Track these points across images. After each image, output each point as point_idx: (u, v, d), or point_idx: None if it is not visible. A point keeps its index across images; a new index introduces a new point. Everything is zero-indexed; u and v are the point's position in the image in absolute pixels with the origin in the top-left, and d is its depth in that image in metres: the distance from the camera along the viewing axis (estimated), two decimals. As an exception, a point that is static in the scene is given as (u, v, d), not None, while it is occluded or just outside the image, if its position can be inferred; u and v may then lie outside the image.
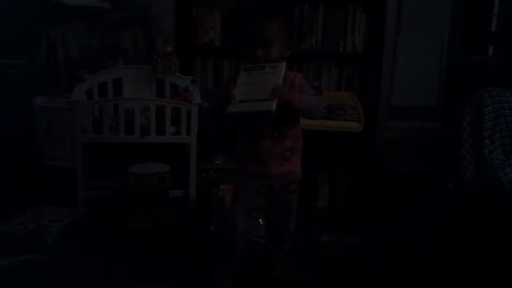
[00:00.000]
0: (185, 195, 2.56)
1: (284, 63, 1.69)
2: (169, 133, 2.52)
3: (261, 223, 2.11)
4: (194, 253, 2.14)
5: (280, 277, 1.94)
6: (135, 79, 2.72)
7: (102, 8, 2.92)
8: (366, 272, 1.98)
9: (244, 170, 1.80)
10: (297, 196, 1.88)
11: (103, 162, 2.70)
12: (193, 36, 3.11)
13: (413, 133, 3.33)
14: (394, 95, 3.29)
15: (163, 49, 2.72)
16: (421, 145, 3.24)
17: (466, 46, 3.44)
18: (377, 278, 1.94)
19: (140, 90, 2.71)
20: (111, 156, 2.68)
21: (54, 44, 2.90)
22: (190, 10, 3.08)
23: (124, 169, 2.43)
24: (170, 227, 2.38)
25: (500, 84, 2.11)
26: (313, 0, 3.05)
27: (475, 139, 1.95)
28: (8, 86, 2.93)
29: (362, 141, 2.79)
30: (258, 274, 1.97)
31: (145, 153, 2.55)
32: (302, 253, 2.10)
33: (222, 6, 3.03)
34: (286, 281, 1.92)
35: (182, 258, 2.10)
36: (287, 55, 1.75)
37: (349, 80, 3.15)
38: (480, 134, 1.93)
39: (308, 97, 1.73)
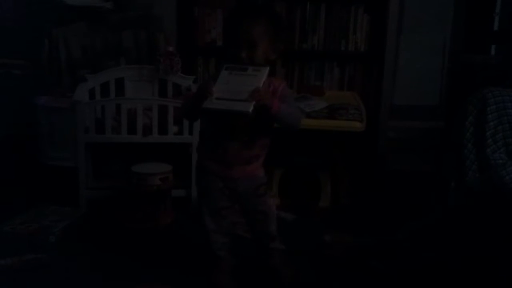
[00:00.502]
0: (188, 195, 2.56)
1: (267, 68, 1.68)
2: (171, 132, 2.52)
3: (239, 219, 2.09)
4: (196, 253, 2.13)
5: (281, 276, 1.94)
6: (137, 79, 2.72)
7: (104, 8, 2.92)
8: (367, 271, 1.98)
9: (207, 169, 1.80)
10: (268, 198, 1.88)
11: (106, 162, 2.70)
12: (195, 36, 3.11)
13: (415, 132, 3.33)
14: (396, 94, 3.29)
15: (165, 49, 2.72)
16: (424, 145, 3.24)
17: (469, 45, 3.44)
18: (379, 277, 1.94)
19: (142, 90, 2.72)
20: (114, 156, 2.69)
21: (56, 44, 2.90)
22: (192, 10, 3.08)
23: (127, 169, 2.44)
24: (172, 227, 2.38)
25: (502, 83, 2.10)
26: (315, 0, 3.05)
27: (477, 139, 1.95)
28: (10, 86, 2.93)
29: (364, 140, 2.79)
30: (259, 273, 1.97)
31: (148, 153, 2.55)
32: (304, 253, 2.10)
33: (224, 6, 3.03)
34: (287, 280, 1.92)
35: (184, 258, 2.10)
36: (273, 58, 1.74)
37: (351, 80, 3.14)
38: (483, 134, 1.93)
39: (287, 107, 1.71)
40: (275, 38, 1.72)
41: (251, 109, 1.60)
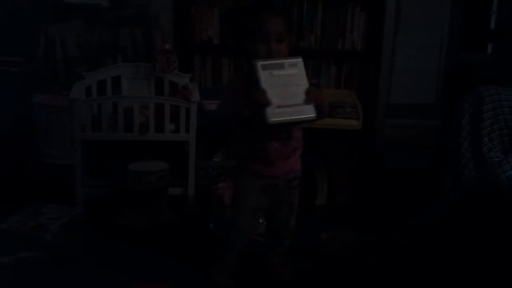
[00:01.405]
0: (184, 193, 2.56)
1: (301, 59, 1.66)
2: (168, 131, 2.52)
3: (261, 221, 2.11)
4: (193, 251, 2.14)
5: (279, 275, 1.94)
6: (134, 77, 2.72)
7: (101, 5, 2.92)
8: (364, 269, 1.98)
9: (248, 170, 1.78)
10: (298, 191, 1.89)
11: (102, 160, 2.70)
12: (192, 34, 3.10)
13: (412, 131, 3.34)
14: (393, 92, 3.29)
15: (162, 47, 2.72)
16: (420, 143, 3.25)
17: (465, 44, 3.44)
18: (376, 275, 1.95)
19: (139, 88, 2.71)
20: (110, 154, 2.68)
21: (52, 41, 2.89)
22: (189, 8, 3.08)
23: (123, 167, 2.43)
24: (169, 225, 2.38)
25: (499, 82, 2.11)
26: (312, -2, 3.05)
27: (474, 137, 1.96)
28: (6, 84, 2.92)
29: (361, 138, 2.79)
30: (257, 272, 1.97)
31: (144, 151, 2.55)
32: (301, 251, 2.11)
33: (221, 4, 3.03)
34: (285, 279, 1.93)
35: (181, 256, 2.10)
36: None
37: (348, 78, 3.14)
38: (479, 132, 1.93)
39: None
40: (291, 33, 1.75)
41: (315, 113, 1.60)
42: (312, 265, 2.04)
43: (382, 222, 2.29)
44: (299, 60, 1.66)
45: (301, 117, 1.61)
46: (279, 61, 1.63)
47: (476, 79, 3.08)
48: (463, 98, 2.03)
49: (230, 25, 1.80)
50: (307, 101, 1.61)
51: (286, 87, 1.61)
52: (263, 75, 1.59)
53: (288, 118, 1.59)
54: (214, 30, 3.08)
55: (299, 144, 1.80)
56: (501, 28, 3.52)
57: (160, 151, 2.56)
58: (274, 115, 1.57)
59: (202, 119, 2.52)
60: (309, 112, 1.61)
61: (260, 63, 1.61)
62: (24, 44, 2.94)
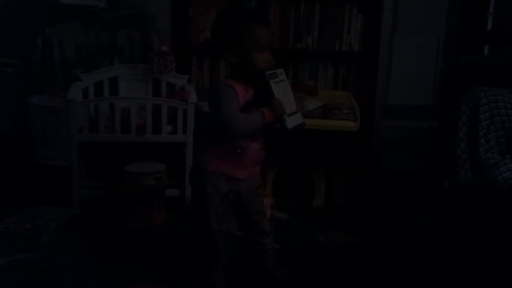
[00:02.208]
0: (181, 195, 2.56)
1: (283, 69, 1.78)
2: (165, 132, 2.51)
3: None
4: (189, 252, 2.13)
5: (275, 276, 1.94)
6: (131, 78, 2.72)
7: (98, 7, 2.92)
8: (361, 271, 1.98)
9: (213, 171, 1.77)
10: (263, 198, 1.97)
11: (99, 162, 2.70)
12: (189, 35, 3.10)
13: (409, 132, 3.34)
14: (390, 94, 3.30)
15: (159, 48, 2.72)
16: (417, 145, 3.25)
17: (462, 45, 3.44)
18: (373, 277, 1.95)
19: (136, 89, 2.71)
20: (107, 156, 2.68)
21: (49, 43, 2.89)
22: (186, 9, 3.08)
23: (120, 169, 2.43)
24: (166, 226, 2.38)
25: (495, 83, 2.11)
26: (309, 0, 3.05)
27: (470, 139, 1.96)
28: (3, 85, 2.92)
29: (358, 140, 2.79)
30: (254, 273, 1.97)
31: (141, 152, 2.54)
32: (298, 252, 2.11)
33: (218, 5, 3.03)
34: (282, 280, 1.92)
35: (178, 258, 2.10)
36: None
37: (345, 80, 3.15)
38: (476, 134, 1.94)
39: None
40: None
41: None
42: (309, 266, 2.04)
43: (379, 223, 2.29)
44: (282, 70, 1.79)
45: (300, 123, 1.79)
46: (274, 71, 1.75)
47: (473, 81, 3.08)
48: (460, 100, 2.03)
49: (219, 29, 1.79)
50: (298, 109, 1.80)
51: (286, 95, 1.76)
52: (273, 85, 1.72)
53: (296, 125, 1.77)
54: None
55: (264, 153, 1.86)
56: (497, 30, 3.53)
57: (157, 152, 2.55)
58: (290, 123, 1.75)
59: (200, 120, 2.52)
60: (302, 119, 1.81)
61: (268, 73, 1.72)
62: (21, 46, 2.93)
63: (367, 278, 1.95)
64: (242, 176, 1.79)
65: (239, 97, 1.70)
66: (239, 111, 1.70)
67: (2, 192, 2.59)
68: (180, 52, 2.93)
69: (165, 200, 2.47)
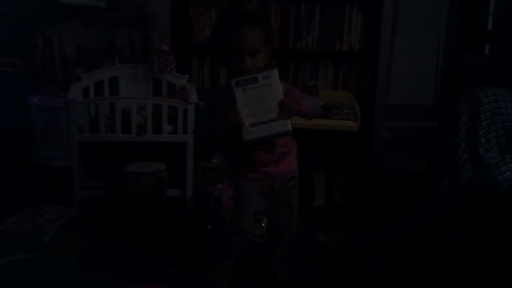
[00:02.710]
0: (182, 194, 2.56)
1: (276, 71, 1.66)
2: (165, 132, 2.51)
3: (263, 224, 2.11)
4: (190, 252, 2.14)
5: (278, 277, 1.94)
6: (131, 78, 2.72)
7: (98, 7, 2.91)
8: (362, 271, 1.98)
9: (242, 175, 1.79)
10: (297, 192, 1.89)
11: (100, 161, 2.70)
12: (190, 35, 3.10)
13: (409, 132, 3.34)
14: (390, 94, 3.30)
15: (159, 48, 2.72)
16: (417, 144, 3.25)
17: (462, 45, 3.45)
18: (373, 277, 1.95)
19: (137, 89, 2.71)
20: (108, 155, 2.68)
21: (50, 42, 2.89)
22: (186, 9, 3.08)
23: (121, 168, 2.43)
24: (167, 226, 2.38)
25: (496, 83, 2.11)
26: (309, -1, 3.06)
27: (471, 138, 1.96)
28: (4, 84, 2.92)
29: (358, 140, 2.79)
30: (255, 273, 1.97)
31: (142, 152, 2.54)
32: (299, 252, 2.11)
33: (218, 5, 3.03)
34: (284, 281, 1.93)
35: (179, 257, 2.10)
36: (268, 62, 1.74)
37: (345, 79, 3.15)
38: (476, 133, 1.94)
39: (307, 100, 1.74)
40: (269, 42, 1.73)
41: (289, 126, 1.65)
42: (310, 266, 2.04)
43: (380, 223, 2.29)
44: (274, 72, 1.65)
45: (275, 132, 1.66)
46: (253, 75, 1.64)
47: (473, 80, 3.08)
48: (460, 99, 2.03)
49: (211, 33, 1.79)
50: (281, 116, 1.65)
51: (260, 103, 1.64)
52: (237, 93, 1.63)
53: (263, 135, 1.65)
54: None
55: (288, 148, 1.80)
56: (498, 30, 3.53)
57: (158, 152, 2.55)
58: (249, 134, 1.64)
59: (200, 120, 2.52)
60: (283, 127, 1.66)
61: (234, 81, 1.63)
62: (22, 45, 2.93)
63: (368, 278, 1.95)
64: (268, 177, 1.78)
65: (214, 104, 1.70)
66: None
67: (3, 192, 2.59)
68: (180, 52, 2.93)
69: (165, 200, 2.47)
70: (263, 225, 2.11)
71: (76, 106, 2.46)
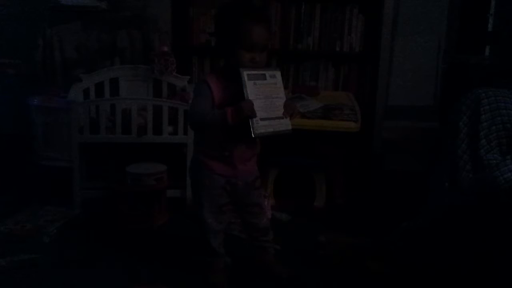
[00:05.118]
0: (182, 195, 2.56)
1: (279, 72, 1.72)
2: (166, 133, 2.51)
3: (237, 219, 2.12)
4: (191, 252, 2.13)
5: (277, 274, 1.94)
6: (132, 79, 2.72)
7: (99, 8, 2.92)
8: (362, 271, 1.98)
9: (208, 168, 1.80)
10: (262, 191, 1.95)
11: (100, 162, 2.70)
12: (190, 36, 3.10)
13: (409, 133, 3.34)
14: (391, 95, 3.30)
15: (160, 49, 2.72)
16: (418, 145, 3.25)
17: (463, 46, 3.45)
18: (374, 277, 1.94)
19: (137, 90, 2.71)
20: (108, 156, 2.68)
21: (51, 44, 2.89)
22: (186, 10, 3.08)
23: (121, 169, 2.43)
24: (167, 227, 2.38)
25: (496, 84, 2.11)
26: (310, 0, 3.05)
27: (471, 139, 1.96)
28: (4, 85, 2.92)
29: (359, 140, 2.79)
30: (255, 272, 1.97)
31: (142, 153, 2.54)
32: (299, 253, 2.11)
33: (219, 6, 3.02)
34: (285, 277, 1.93)
35: (179, 258, 2.09)
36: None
37: (346, 80, 3.15)
38: (477, 134, 1.93)
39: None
40: (270, 40, 1.75)
41: (291, 126, 1.70)
42: (310, 267, 2.04)
43: (380, 224, 2.29)
44: (278, 72, 1.72)
45: (280, 130, 1.69)
46: (262, 72, 1.68)
47: (474, 81, 3.08)
48: (461, 100, 2.03)
49: (217, 24, 1.79)
50: (285, 115, 1.70)
51: (268, 99, 1.67)
52: (249, 85, 1.64)
53: (271, 131, 1.67)
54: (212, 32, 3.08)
55: (258, 148, 1.86)
56: (498, 30, 3.53)
57: (158, 153, 2.55)
58: (259, 128, 1.65)
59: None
60: (287, 126, 1.71)
61: (245, 73, 1.65)
62: (22, 46, 2.94)
63: (368, 279, 1.95)
64: (234, 174, 1.80)
65: (213, 93, 1.69)
66: (213, 107, 1.68)
67: (3, 193, 2.59)
68: (180, 53, 2.93)
69: (166, 200, 2.47)
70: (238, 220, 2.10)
71: (76, 107, 2.46)
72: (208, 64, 3.14)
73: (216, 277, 1.90)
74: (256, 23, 1.68)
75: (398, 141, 3.28)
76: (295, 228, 2.40)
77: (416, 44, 3.31)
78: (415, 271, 1.90)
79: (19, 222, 2.35)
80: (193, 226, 2.08)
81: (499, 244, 1.73)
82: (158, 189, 2.41)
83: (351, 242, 2.14)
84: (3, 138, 2.86)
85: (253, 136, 1.64)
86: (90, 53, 2.95)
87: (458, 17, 3.40)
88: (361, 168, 3.01)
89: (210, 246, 1.90)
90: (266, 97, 1.67)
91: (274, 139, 1.73)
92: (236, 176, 1.81)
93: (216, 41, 1.85)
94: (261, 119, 1.65)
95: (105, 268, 2.02)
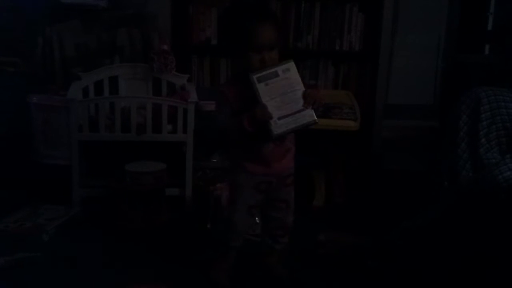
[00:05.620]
0: (182, 194, 2.56)
1: (293, 63, 1.69)
2: (165, 131, 2.51)
3: (257, 221, 2.11)
4: (190, 251, 2.14)
5: (278, 275, 1.94)
6: (131, 77, 2.72)
7: (98, 6, 2.91)
8: (362, 271, 1.98)
9: (243, 169, 1.79)
10: (293, 188, 1.90)
11: (99, 161, 2.69)
12: (190, 34, 3.10)
13: (409, 132, 3.34)
14: (391, 93, 3.30)
15: (159, 47, 2.72)
16: (418, 144, 3.25)
17: (463, 45, 3.44)
18: (373, 277, 1.94)
19: (136, 89, 2.71)
20: (107, 155, 2.68)
21: (50, 42, 2.89)
22: (186, 8, 3.07)
23: (121, 168, 2.43)
24: (167, 226, 2.38)
25: (496, 83, 2.11)
26: (310, -2, 3.05)
27: (471, 138, 1.96)
28: (3, 83, 2.91)
29: (358, 139, 2.79)
30: (255, 272, 1.97)
31: (142, 151, 2.54)
32: (299, 252, 2.10)
33: (219, 4, 3.02)
34: (284, 278, 1.92)
35: (179, 257, 2.09)
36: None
37: (345, 79, 3.14)
38: (476, 133, 1.93)
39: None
40: (279, 36, 1.73)
41: (315, 116, 1.67)
42: (310, 267, 2.04)
43: (380, 223, 2.29)
44: (291, 64, 1.69)
45: (303, 123, 1.67)
46: (273, 70, 1.66)
47: (474, 80, 3.08)
48: (460, 99, 2.03)
49: (222, 27, 1.79)
50: (306, 105, 1.67)
51: (284, 96, 1.66)
52: (260, 89, 1.64)
53: (291, 128, 1.66)
54: (212, 31, 3.07)
55: (292, 144, 1.83)
56: (498, 29, 3.53)
57: (158, 151, 2.55)
58: (277, 128, 1.64)
59: (200, 119, 2.51)
60: (310, 116, 1.68)
61: (255, 77, 1.64)
62: (22, 44, 2.93)
63: (368, 278, 1.95)
64: (269, 172, 1.79)
65: (230, 101, 1.68)
66: (233, 115, 1.68)
67: (3, 191, 2.58)
68: (180, 51, 2.92)
69: (165, 199, 2.47)
70: (257, 222, 2.10)
71: (76, 105, 2.46)
72: (207, 62, 3.14)
73: (218, 275, 1.90)
74: (261, 23, 1.66)
75: (397, 140, 3.28)
76: (295, 227, 2.38)
77: (416, 43, 3.31)
78: (415, 270, 1.90)
79: (18, 220, 2.35)
80: (192, 224, 2.10)
81: (499, 244, 1.73)
82: (157, 187, 2.41)
83: (351, 241, 2.14)
84: (3, 136, 2.85)
85: (272, 138, 1.65)
86: (90, 52, 2.94)
87: (457, 16, 3.39)
88: (360, 167, 3.01)
89: (227, 245, 1.88)
90: (282, 93, 1.66)
91: (300, 132, 1.73)
92: (271, 174, 1.80)
93: (223, 45, 1.83)
94: (279, 118, 1.64)
95: (104, 266, 2.02)
